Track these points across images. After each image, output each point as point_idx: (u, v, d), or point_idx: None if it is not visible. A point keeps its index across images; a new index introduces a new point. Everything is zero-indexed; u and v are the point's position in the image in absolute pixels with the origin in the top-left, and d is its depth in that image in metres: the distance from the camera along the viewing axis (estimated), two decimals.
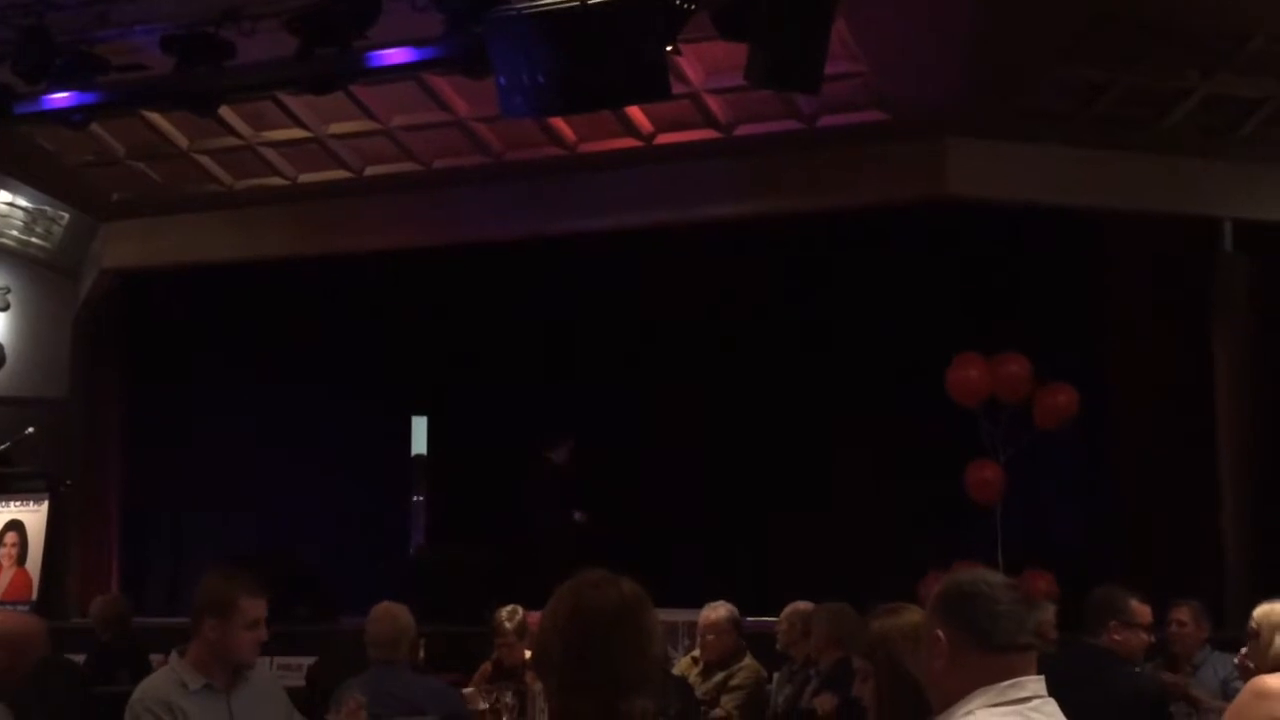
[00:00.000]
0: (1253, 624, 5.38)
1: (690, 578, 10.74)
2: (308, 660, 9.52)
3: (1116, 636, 6.05)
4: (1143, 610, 6.24)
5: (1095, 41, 9.97)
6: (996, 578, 3.05)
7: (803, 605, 8.44)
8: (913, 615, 3.92)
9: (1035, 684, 2.93)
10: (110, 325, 13.98)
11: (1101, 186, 11.03)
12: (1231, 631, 7.80)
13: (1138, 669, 6.22)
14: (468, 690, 7.19)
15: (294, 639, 9.93)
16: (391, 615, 6.33)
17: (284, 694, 5.33)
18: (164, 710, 4.82)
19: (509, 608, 7.84)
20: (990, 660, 2.92)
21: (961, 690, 2.93)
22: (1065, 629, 6.75)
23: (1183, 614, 7.62)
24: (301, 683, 8.48)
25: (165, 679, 4.96)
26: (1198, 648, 7.69)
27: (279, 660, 9.73)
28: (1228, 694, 6.97)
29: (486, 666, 7.91)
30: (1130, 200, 11.16)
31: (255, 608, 4.99)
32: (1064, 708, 2.99)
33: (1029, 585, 10.48)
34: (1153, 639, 6.47)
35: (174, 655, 5.01)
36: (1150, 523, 11.84)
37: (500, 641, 7.83)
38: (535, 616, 8.13)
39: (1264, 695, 5.03)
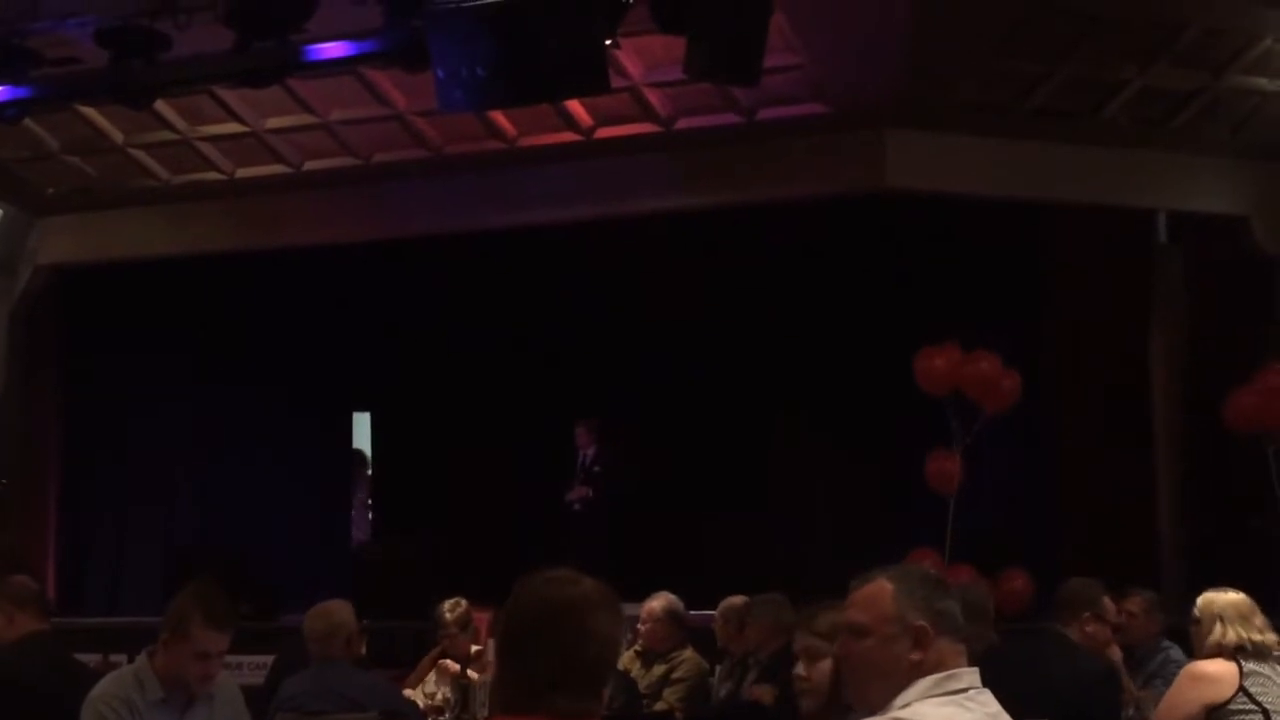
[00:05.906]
0: (1195, 611, 5.58)
1: (640, 572, 10.74)
2: (248, 659, 9.45)
3: (1089, 629, 6.15)
4: (1111, 607, 6.40)
5: (1032, 33, 10.05)
6: (916, 572, 3.15)
7: (737, 600, 8.44)
8: None
9: (970, 675, 3.02)
10: (47, 321, 13.81)
11: (1039, 178, 11.10)
12: (1166, 620, 7.88)
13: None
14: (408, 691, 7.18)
15: (237, 636, 9.83)
16: (326, 612, 6.29)
17: (244, 711, 5.18)
18: (125, 709, 4.72)
19: (451, 600, 7.81)
20: None
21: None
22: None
23: (1133, 604, 7.64)
24: (250, 680, 8.37)
25: (129, 678, 4.83)
26: (1149, 639, 7.69)
27: None
28: (1146, 685, 7.17)
29: (436, 653, 7.87)
30: (1067, 192, 11.25)
31: (209, 640, 4.80)
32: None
33: (1006, 585, 10.43)
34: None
35: (143, 655, 4.88)
36: (1087, 512, 11.93)
37: (443, 634, 7.80)
38: (480, 611, 8.17)
39: (1199, 679, 5.33)
